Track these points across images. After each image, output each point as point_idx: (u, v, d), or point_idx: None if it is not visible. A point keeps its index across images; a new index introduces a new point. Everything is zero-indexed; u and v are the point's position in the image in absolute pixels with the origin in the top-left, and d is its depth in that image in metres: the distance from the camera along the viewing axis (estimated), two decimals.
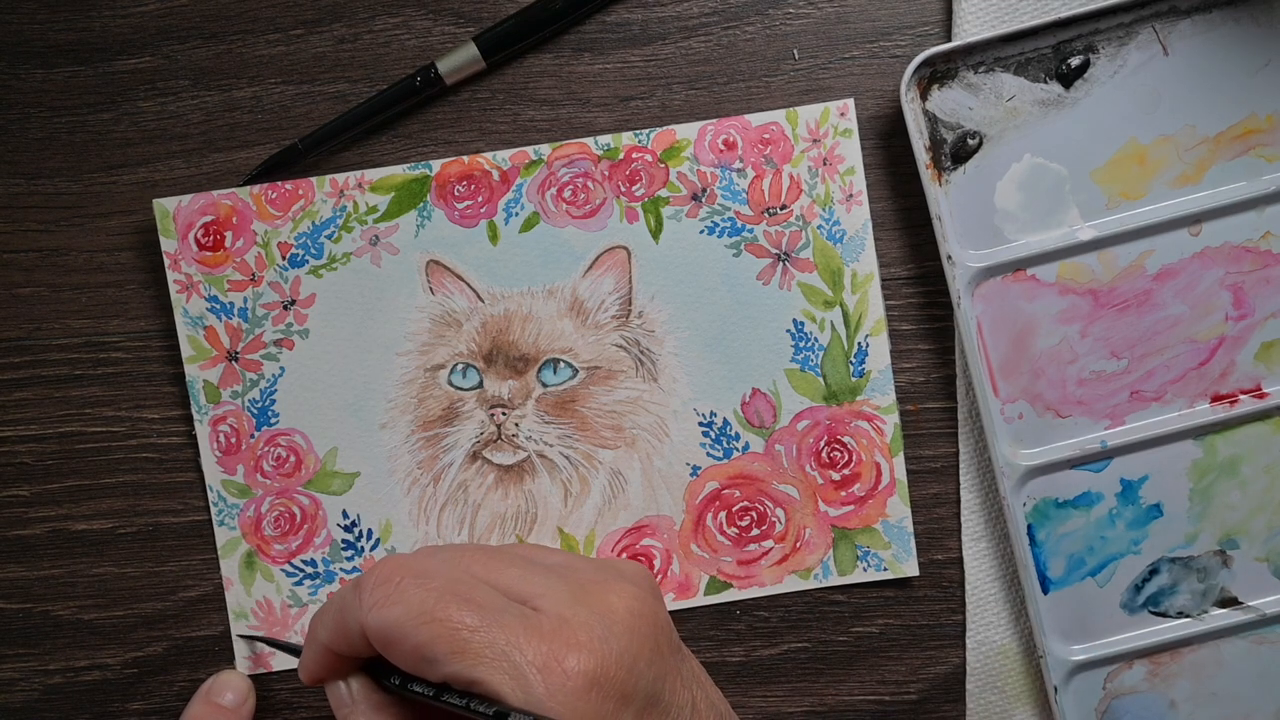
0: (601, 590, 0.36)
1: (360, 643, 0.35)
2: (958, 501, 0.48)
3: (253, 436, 0.48)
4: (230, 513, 0.48)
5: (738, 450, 0.48)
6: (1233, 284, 0.47)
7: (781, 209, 0.48)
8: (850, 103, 0.47)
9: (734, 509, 0.48)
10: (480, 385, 0.48)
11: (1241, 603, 0.48)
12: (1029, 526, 0.47)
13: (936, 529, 0.48)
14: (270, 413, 0.48)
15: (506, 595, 0.35)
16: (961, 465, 0.48)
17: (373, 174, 0.47)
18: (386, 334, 0.48)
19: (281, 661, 0.48)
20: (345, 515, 0.48)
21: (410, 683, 0.36)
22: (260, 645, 0.48)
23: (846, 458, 0.48)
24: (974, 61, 0.46)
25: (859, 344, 0.48)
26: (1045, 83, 0.46)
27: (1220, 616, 0.48)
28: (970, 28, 0.47)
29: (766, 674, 0.48)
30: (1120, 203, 0.47)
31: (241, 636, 0.48)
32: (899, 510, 0.48)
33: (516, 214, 0.48)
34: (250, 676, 0.48)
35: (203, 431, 0.48)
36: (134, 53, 0.48)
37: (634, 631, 0.35)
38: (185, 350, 0.48)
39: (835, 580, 0.48)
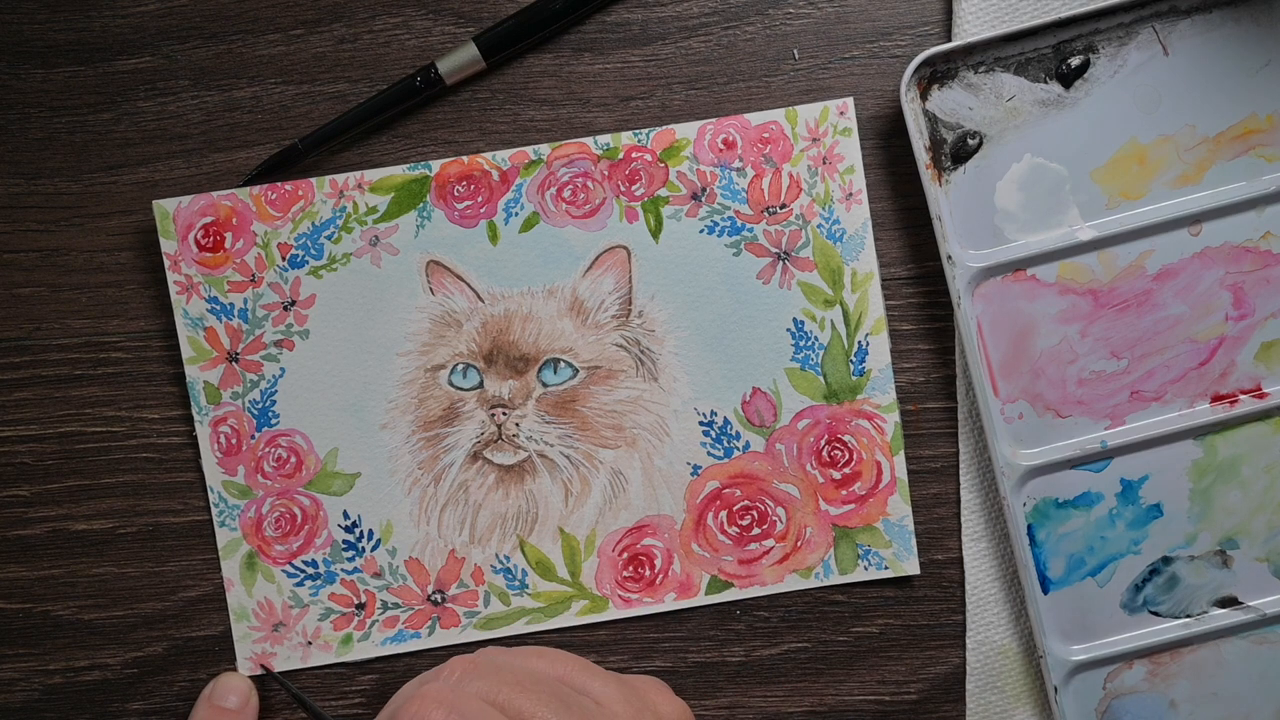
0: None
1: None
2: (958, 501, 0.48)
3: (253, 437, 0.48)
4: (231, 514, 0.48)
5: (738, 449, 0.48)
6: (1233, 284, 0.47)
7: (781, 208, 0.48)
8: (849, 101, 0.47)
9: (735, 508, 0.48)
10: (480, 385, 0.48)
11: (1241, 603, 0.48)
12: (1029, 526, 0.47)
13: (936, 529, 0.48)
14: (271, 413, 0.48)
15: None
16: (961, 465, 0.48)
17: (372, 174, 0.47)
18: (386, 334, 0.48)
19: (282, 664, 0.48)
20: (346, 516, 0.48)
21: None
22: (261, 645, 0.48)
23: (847, 456, 0.48)
24: (974, 61, 0.46)
25: (859, 343, 0.48)
26: (1045, 83, 0.46)
27: (1220, 616, 0.48)
28: (970, 28, 0.47)
29: (766, 674, 0.49)
30: (1120, 203, 0.47)
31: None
32: (900, 509, 0.48)
33: (516, 214, 0.48)
34: (252, 678, 0.48)
35: (203, 432, 0.48)
36: (134, 53, 0.48)
37: None
38: (185, 351, 0.48)
39: (836, 579, 0.48)
